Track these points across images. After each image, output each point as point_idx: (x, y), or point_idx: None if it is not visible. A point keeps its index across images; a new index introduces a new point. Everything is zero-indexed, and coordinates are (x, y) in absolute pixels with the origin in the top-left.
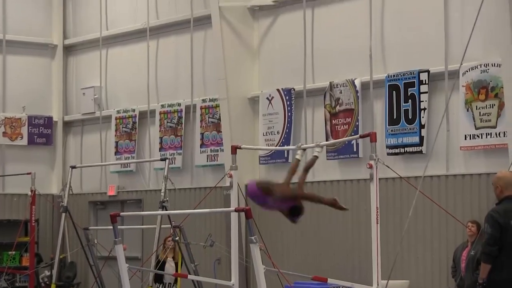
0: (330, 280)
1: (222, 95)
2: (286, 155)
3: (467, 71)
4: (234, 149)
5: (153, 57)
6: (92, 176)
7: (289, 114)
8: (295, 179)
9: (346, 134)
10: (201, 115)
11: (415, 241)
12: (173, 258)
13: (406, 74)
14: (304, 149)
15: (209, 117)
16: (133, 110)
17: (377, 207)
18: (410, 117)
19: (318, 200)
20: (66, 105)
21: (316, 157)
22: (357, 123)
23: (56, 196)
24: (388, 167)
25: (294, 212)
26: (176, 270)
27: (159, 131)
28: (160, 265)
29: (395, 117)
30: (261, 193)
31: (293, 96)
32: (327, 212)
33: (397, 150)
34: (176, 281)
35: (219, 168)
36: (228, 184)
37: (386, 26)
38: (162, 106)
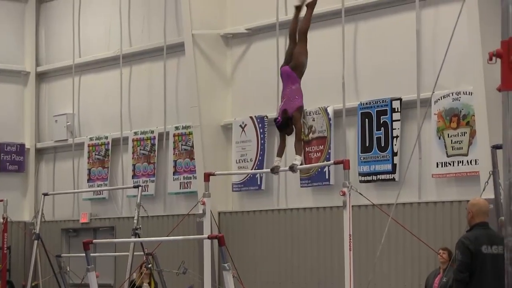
0: None
1: (195, 123)
2: (259, 182)
3: (439, 99)
4: (207, 177)
5: (126, 85)
6: (64, 203)
7: (262, 141)
8: None
9: (318, 162)
10: (174, 142)
11: (387, 268)
12: (149, 284)
13: (378, 102)
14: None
15: (182, 145)
16: (106, 137)
17: (350, 234)
18: (382, 145)
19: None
20: (38, 132)
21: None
22: (329, 151)
23: (28, 223)
24: (361, 194)
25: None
26: None
27: (132, 158)
28: None
29: (367, 145)
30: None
31: (266, 123)
32: (300, 239)
33: (369, 178)
34: None
35: (192, 196)
36: (201, 211)
37: (359, 54)
38: (135, 133)
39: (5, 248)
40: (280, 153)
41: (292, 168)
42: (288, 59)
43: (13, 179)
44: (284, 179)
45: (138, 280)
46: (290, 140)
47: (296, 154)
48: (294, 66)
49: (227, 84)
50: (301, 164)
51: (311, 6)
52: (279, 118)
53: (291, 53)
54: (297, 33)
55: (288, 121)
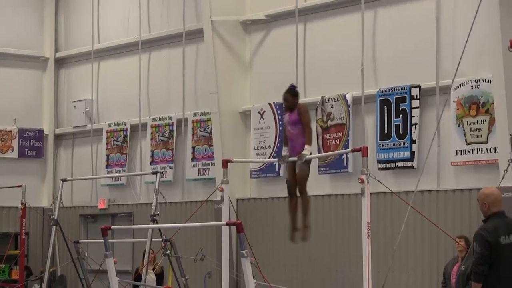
0: None
1: (214, 109)
2: (277, 169)
3: (458, 87)
4: (226, 163)
5: (145, 71)
6: (82, 189)
7: (281, 128)
8: None
9: (337, 149)
10: (192, 128)
11: (406, 256)
12: (153, 269)
13: (397, 89)
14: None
15: (200, 131)
16: (125, 123)
17: (368, 222)
18: (401, 132)
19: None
20: (57, 118)
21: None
22: (348, 138)
23: (46, 209)
24: (380, 181)
25: None
26: (158, 283)
27: (151, 144)
28: (140, 277)
29: (386, 132)
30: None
31: (284, 110)
32: (319, 226)
33: (388, 165)
34: None
35: (210, 182)
36: (219, 198)
37: (378, 41)
38: (154, 119)
39: (24, 234)
40: (286, 143)
41: (299, 158)
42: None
43: (31, 164)
44: None
45: (141, 267)
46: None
47: (305, 143)
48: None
49: (246, 70)
50: (318, 152)
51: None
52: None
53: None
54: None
55: (294, 106)
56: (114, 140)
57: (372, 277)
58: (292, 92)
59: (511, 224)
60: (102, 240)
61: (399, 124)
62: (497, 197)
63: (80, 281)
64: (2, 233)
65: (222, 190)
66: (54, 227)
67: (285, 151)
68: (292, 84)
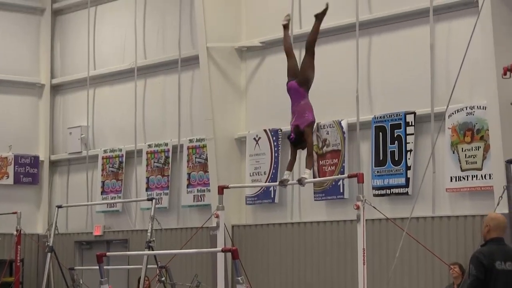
0: None
1: (209, 135)
2: (272, 196)
3: (453, 113)
4: (221, 190)
5: (141, 97)
6: (78, 215)
7: (276, 154)
8: None
9: (332, 175)
10: (188, 155)
11: (401, 282)
12: None
13: (392, 116)
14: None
15: (196, 157)
16: (120, 150)
17: (363, 248)
18: (396, 159)
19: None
20: (52, 145)
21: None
22: (343, 164)
23: (41, 235)
24: (375, 208)
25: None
26: None
27: (146, 171)
28: None
29: (381, 158)
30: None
31: (280, 136)
32: (314, 252)
33: (383, 191)
34: None
35: (205, 208)
36: (214, 224)
37: (373, 68)
38: (149, 146)
39: (18, 261)
40: (290, 167)
41: (300, 182)
42: (292, 73)
43: (27, 191)
44: (297, 193)
45: None
46: (302, 154)
47: (306, 168)
48: (301, 81)
49: (241, 97)
50: (313, 177)
51: (319, 18)
52: (292, 134)
53: (294, 68)
54: (305, 45)
55: (301, 137)
56: (109, 167)
57: None
58: (299, 140)
59: (509, 251)
60: (97, 267)
61: (394, 150)
62: (501, 223)
63: None
64: None
65: (217, 216)
66: (49, 254)
67: (286, 175)
68: (289, 137)
